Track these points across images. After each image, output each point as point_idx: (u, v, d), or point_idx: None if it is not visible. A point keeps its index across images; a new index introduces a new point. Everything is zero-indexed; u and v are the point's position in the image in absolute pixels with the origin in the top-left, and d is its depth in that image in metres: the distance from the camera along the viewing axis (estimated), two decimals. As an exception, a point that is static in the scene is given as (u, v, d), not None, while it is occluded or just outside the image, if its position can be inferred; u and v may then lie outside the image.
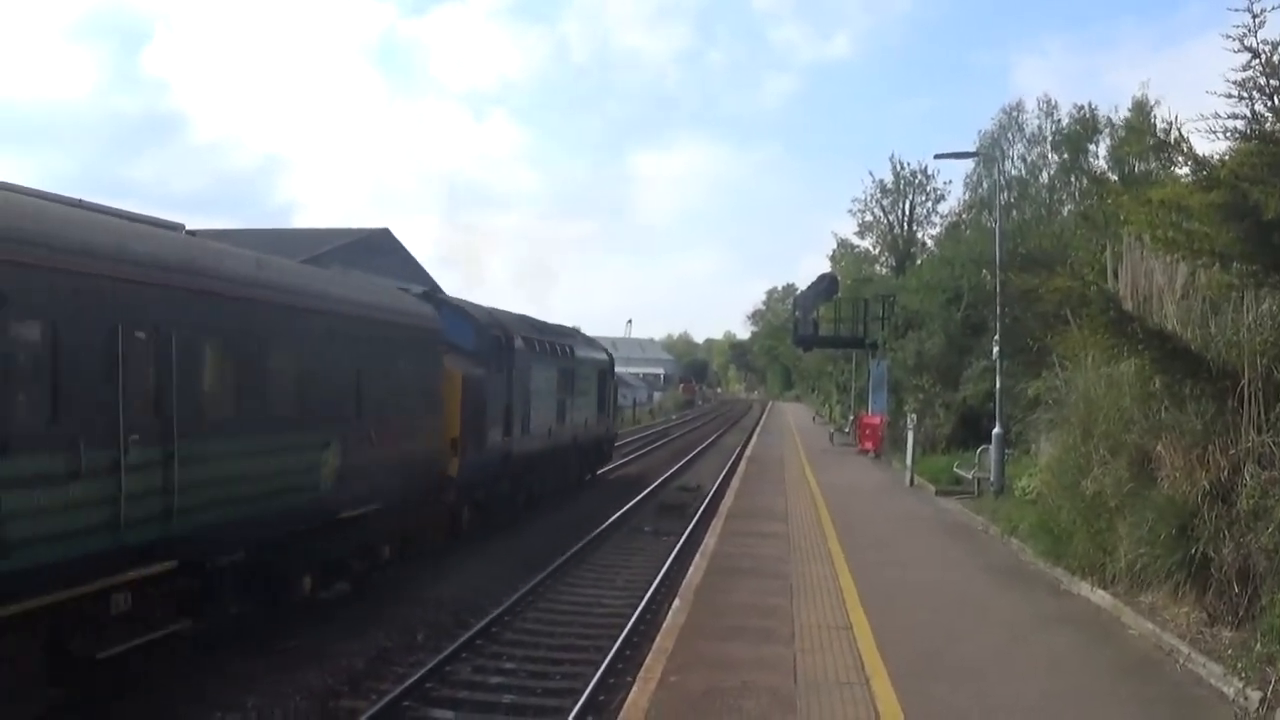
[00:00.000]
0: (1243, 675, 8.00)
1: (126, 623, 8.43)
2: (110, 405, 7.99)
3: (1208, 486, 9.67)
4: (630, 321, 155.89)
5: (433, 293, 18.62)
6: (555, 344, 23.90)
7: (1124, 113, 37.05)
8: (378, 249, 37.13)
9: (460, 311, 18.42)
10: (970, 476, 21.96)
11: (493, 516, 18.71)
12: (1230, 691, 7.98)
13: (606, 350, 32.13)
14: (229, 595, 10.12)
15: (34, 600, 7.29)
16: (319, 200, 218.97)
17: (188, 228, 10.91)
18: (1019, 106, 43.98)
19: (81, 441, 7.62)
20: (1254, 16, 9.00)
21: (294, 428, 10.97)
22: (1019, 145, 43.61)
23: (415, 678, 9.95)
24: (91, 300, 7.90)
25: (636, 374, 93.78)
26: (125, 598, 8.39)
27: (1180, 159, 10.77)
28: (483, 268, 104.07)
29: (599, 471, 29.93)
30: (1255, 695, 7.65)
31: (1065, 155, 40.25)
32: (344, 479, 11.88)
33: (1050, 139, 41.88)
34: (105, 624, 8.24)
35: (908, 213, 57.55)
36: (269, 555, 10.62)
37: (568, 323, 30.09)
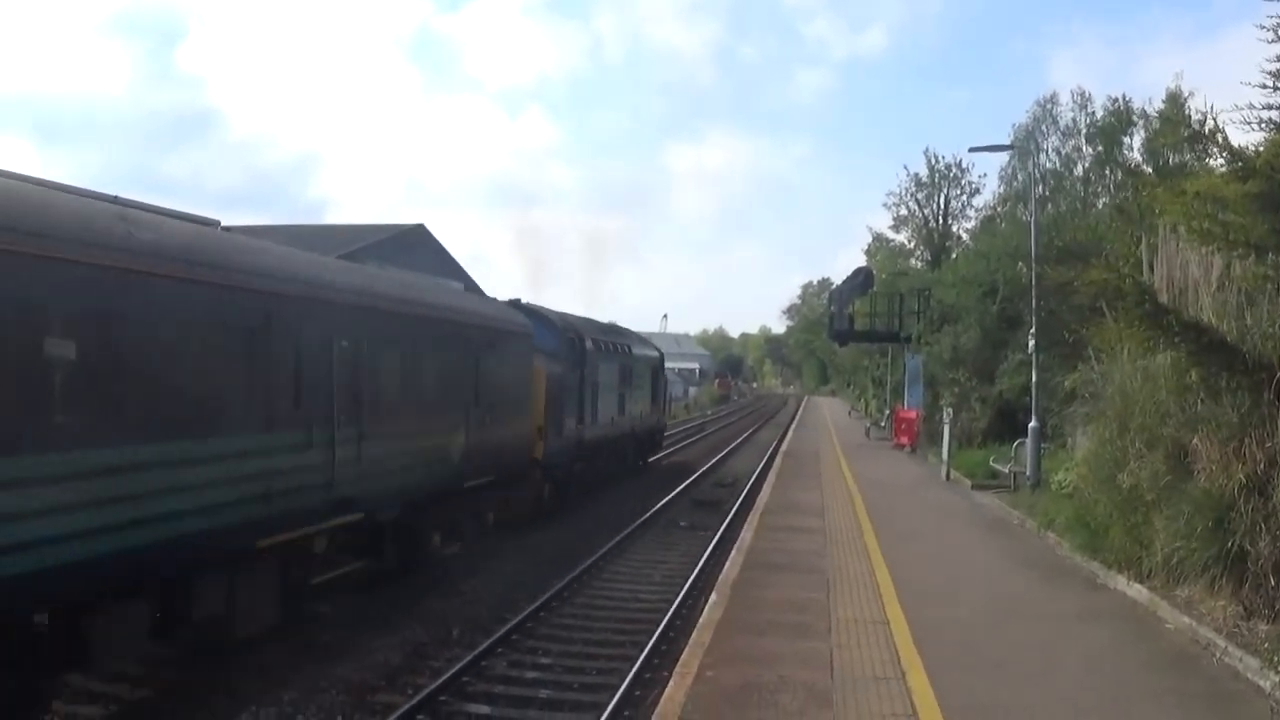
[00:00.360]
0: (1279, 669, 7.99)
1: (323, 561, 11.11)
2: (328, 395, 10.55)
3: (1244, 480, 9.64)
4: (666, 316, 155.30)
5: (519, 301, 20.85)
6: (616, 343, 26.83)
7: (1158, 104, 36.63)
8: (413, 245, 37.22)
9: (543, 318, 21.20)
10: (1006, 470, 21.84)
11: (569, 494, 21.29)
12: (1267, 685, 7.98)
13: (657, 347, 34.91)
14: (386, 545, 12.61)
15: (280, 536, 9.66)
16: (352, 197, 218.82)
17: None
18: (1053, 99, 43.52)
19: (313, 422, 10.21)
20: (1288, 7, 8.98)
21: (437, 413, 13.59)
22: (1053, 138, 43.16)
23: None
24: (317, 319, 10.44)
25: (672, 369, 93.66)
26: (324, 541, 10.84)
27: (1215, 150, 10.76)
28: (520, 262, 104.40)
29: (651, 459, 31.94)
30: (1293, 689, 7.65)
31: (1100, 148, 39.81)
32: (468, 455, 14.44)
33: (1084, 131, 41.43)
34: (310, 561, 10.82)
35: (942, 206, 57.23)
36: (414, 514, 13.00)
37: (603, 318, 30.82)
